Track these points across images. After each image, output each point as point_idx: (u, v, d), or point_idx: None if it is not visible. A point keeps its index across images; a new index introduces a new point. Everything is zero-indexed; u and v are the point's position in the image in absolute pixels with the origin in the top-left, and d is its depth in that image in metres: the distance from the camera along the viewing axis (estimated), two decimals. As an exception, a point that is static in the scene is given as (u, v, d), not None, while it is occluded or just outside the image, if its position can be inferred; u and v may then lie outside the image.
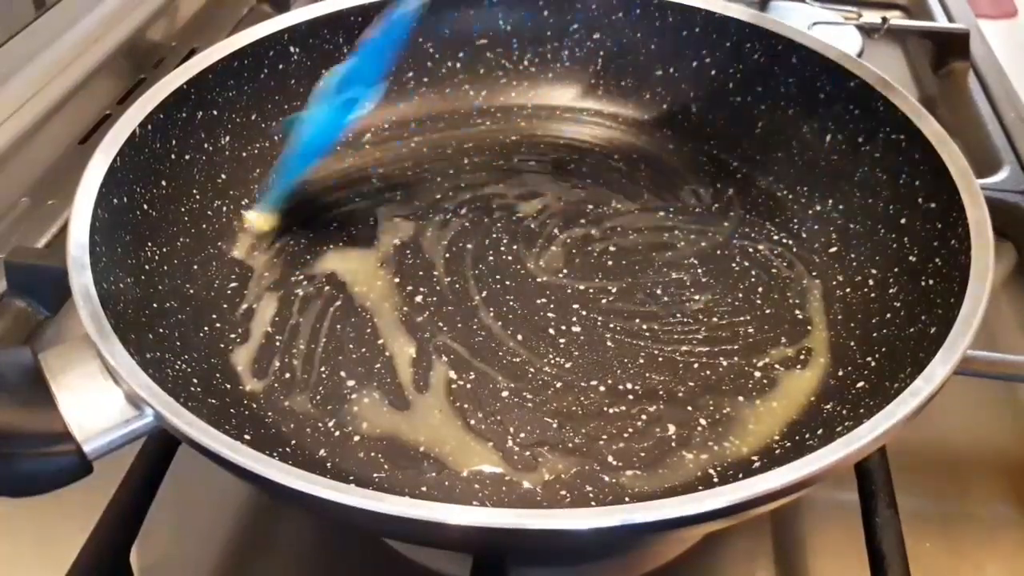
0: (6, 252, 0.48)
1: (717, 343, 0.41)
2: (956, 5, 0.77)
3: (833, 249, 0.45)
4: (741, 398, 0.38)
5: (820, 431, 0.36)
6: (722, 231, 0.47)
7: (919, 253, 0.40)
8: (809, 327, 0.42)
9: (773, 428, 0.37)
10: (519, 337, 0.41)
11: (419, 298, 0.43)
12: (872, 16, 0.74)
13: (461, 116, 0.55)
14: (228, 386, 0.38)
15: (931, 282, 0.38)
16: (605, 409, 0.38)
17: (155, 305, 0.38)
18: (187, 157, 0.44)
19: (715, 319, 0.42)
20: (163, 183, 0.42)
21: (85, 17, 0.64)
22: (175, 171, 0.43)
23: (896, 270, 0.41)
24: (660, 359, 0.40)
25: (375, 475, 0.35)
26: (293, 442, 0.36)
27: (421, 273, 0.44)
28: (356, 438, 0.37)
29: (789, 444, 0.36)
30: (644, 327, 0.42)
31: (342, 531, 0.38)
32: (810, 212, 0.47)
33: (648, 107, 0.54)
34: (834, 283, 0.43)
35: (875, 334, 0.39)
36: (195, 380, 0.36)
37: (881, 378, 0.36)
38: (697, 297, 0.43)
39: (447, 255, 0.45)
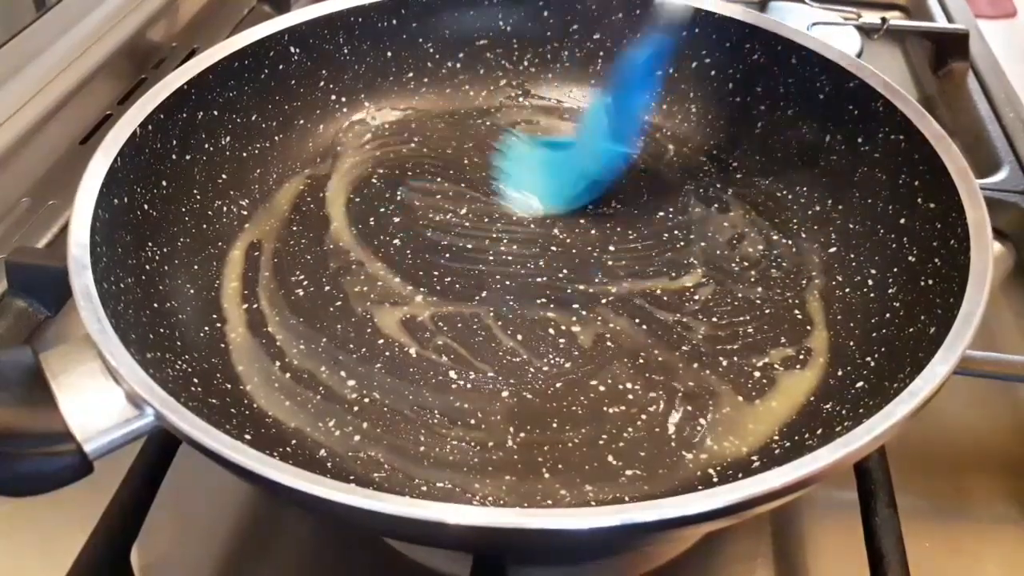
0: (7, 252, 0.48)
1: (717, 343, 0.41)
2: (955, 5, 0.77)
3: (833, 249, 0.45)
4: (741, 398, 0.38)
5: (819, 431, 0.36)
6: (722, 231, 0.47)
7: (918, 253, 0.40)
8: (809, 327, 0.42)
9: (773, 428, 0.37)
10: (519, 337, 0.41)
11: (419, 298, 0.43)
12: (871, 17, 0.74)
13: (461, 116, 0.55)
14: (228, 386, 0.38)
15: (930, 282, 0.38)
16: (605, 409, 0.38)
17: (156, 305, 0.38)
18: (187, 157, 0.44)
19: (715, 319, 0.42)
20: (164, 183, 0.42)
21: (86, 17, 0.64)
22: (175, 171, 0.43)
23: (895, 270, 0.41)
24: (660, 359, 0.40)
25: (375, 475, 0.35)
26: (293, 442, 0.36)
27: (421, 273, 0.44)
28: (356, 438, 0.37)
29: (788, 444, 0.36)
30: (644, 327, 0.42)
31: (342, 531, 0.38)
32: (810, 212, 0.47)
33: (648, 107, 0.54)
34: (834, 283, 0.44)
35: (874, 334, 0.39)
36: (196, 380, 0.36)
37: (880, 378, 0.36)
38: (697, 297, 0.43)
39: (447, 255, 0.45)
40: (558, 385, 0.39)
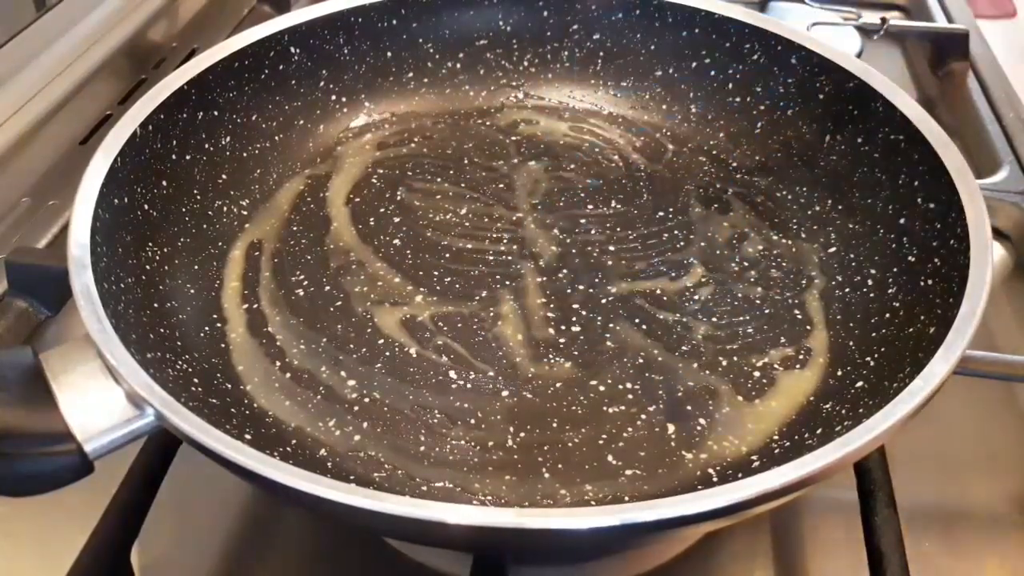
0: (7, 252, 0.48)
1: (716, 343, 0.41)
2: (955, 6, 0.77)
3: (832, 249, 0.45)
4: (741, 398, 0.38)
5: (819, 431, 0.36)
6: (722, 231, 0.47)
7: (918, 253, 0.40)
8: (808, 327, 0.42)
9: (772, 428, 0.37)
10: (519, 337, 0.41)
11: (419, 298, 0.43)
12: (871, 17, 0.74)
13: (461, 116, 0.55)
14: (229, 386, 0.38)
15: (930, 282, 0.38)
16: (605, 409, 0.38)
17: (156, 305, 0.38)
18: (188, 157, 0.44)
19: (714, 319, 0.42)
20: (164, 183, 0.42)
21: (86, 17, 0.64)
22: (176, 171, 0.43)
23: (895, 270, 0.41)
24: (660, 359, 0.40)
25: (375, 475, 0.35)
26: (294, 442, 0.36)
27: (421, 273, 0.44)
28: (356, 438, 0.37)
29: (788, 444, 0.36)
30: (644, 327, 0.42)
31: (342, 531, 0.38)
32: (810, 212, 0.47)
33: (648, 107, 0.54)
34: (833, 283, 0.44)
35: (874, 334, 0.39)
36: (196, 380, 0.36)
37: (880, 378, 0.36)
38: (697, 297, 0.43)
39: (447, 255, 0.45)
40: (558, 385, 0.39)
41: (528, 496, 0.35)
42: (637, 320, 0.42)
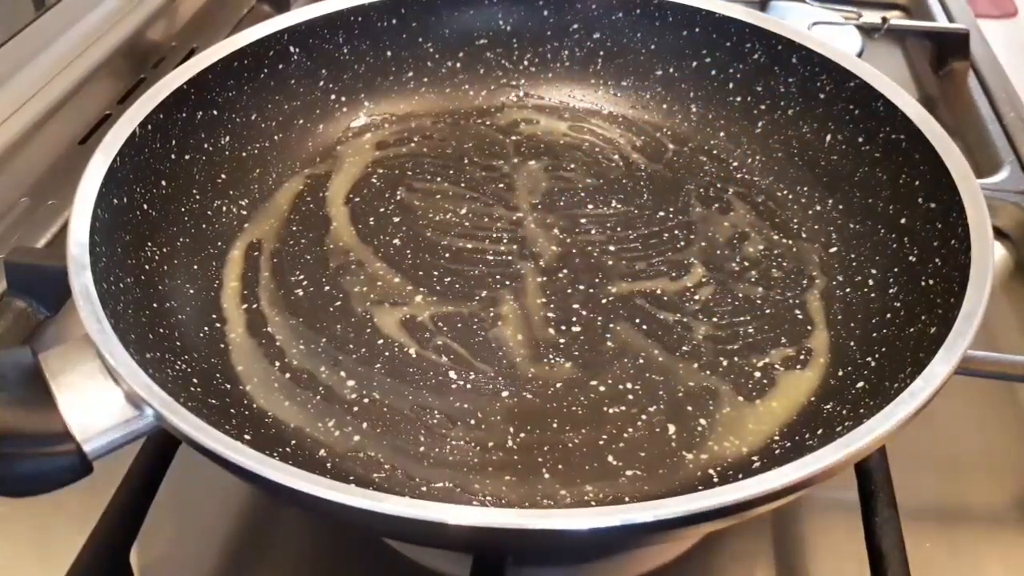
0: (6, 252, 0.48)
1: (717, 343, 0.41)
2: (956, 5, 0.77)
3: (833, 249, 0.45)
4: (741, 398, 0.38)
5: (820, 431, 0.36)
6: (723, 231, 0.47)
7: (919, 253, 0.40)
8: (809, 327, 0.42)
9: (773, 428, 0.37)
10: (519, 337, 0.41)
11: (419, 298, 0.43)
12: (872, 16, 0.74)
13: (461, 116, 0.55)
14: (228, 386, 0.38)
15: (931, 282, 0.38)
16: (605, 409, 0.38)
17: (155, 305, 0.38)
18: (187, 157, 0.44)
19: (715, 319, 0.42)
20: (163, 183, 0.42)
21: (85, 17, 0.64)
22: (175, 171, 0.43)
23: (896, 270, 0.41)
24: (660, 359, 0.40)
25: (375, 475, 0.35)
26: (293, 442, 0.36)
27: (421, 273, 0.44)
28: (356, 438, 0.37)
29: (789, 444, 0.36)
30: (644, 327, 0.42)
31: (342, 531, 0.38)
32: (810, 212, 0.47)
33: (648, 107, 0.54)
34: (834, 283, 0.43)
35: (875, 334, 0.39)
36: (195, 380, 0.36)
37: (881, 378, 0.36)
38: (697, 297, 0.43)
39: (447, 255, 0.45)
40: (558, 385, 0.39)
41: (528, 496, 0.35)
42: (637, 320, 0.42)
